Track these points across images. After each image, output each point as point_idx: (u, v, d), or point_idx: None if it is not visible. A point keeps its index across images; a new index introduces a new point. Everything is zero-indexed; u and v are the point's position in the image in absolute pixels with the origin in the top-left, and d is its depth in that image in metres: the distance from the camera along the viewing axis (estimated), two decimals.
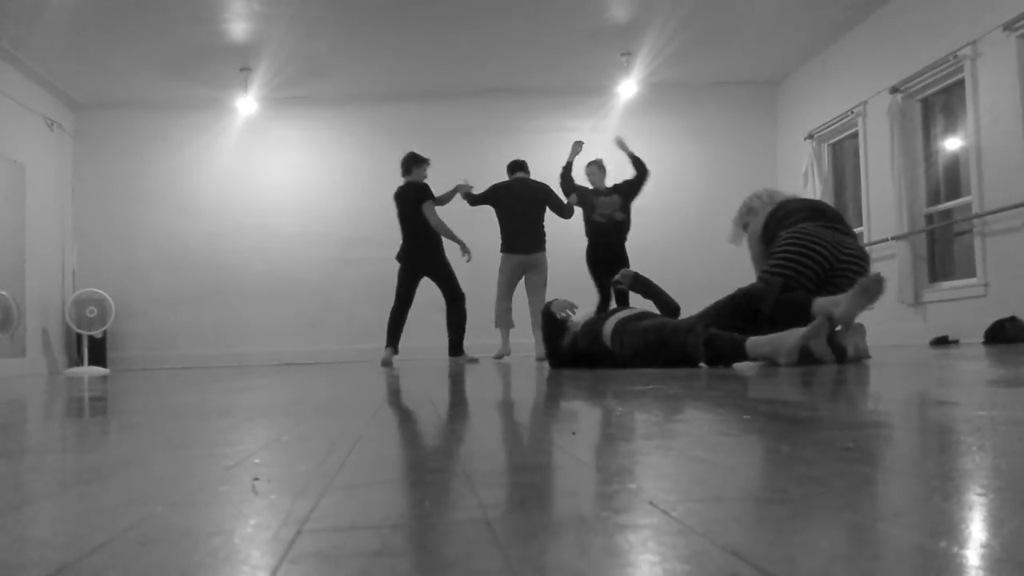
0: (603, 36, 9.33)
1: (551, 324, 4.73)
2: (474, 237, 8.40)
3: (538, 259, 7.71)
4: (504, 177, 8.05)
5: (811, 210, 4.33)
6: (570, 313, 4.71)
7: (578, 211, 7.87)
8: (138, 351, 10.67)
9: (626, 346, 4.29)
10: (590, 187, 7.92)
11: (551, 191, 7.80)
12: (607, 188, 7.91)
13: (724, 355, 3.83)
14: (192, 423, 1.88)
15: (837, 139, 9.89)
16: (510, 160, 8.11)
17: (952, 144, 8.03)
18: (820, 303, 3.77)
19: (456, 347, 7.74)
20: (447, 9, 8.51)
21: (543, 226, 7.75)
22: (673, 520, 0.67)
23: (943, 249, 8.15)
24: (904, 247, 8.15)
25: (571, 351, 4.66)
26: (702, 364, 4.08)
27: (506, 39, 9.36)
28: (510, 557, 0.58)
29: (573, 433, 1.39)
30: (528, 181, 7.84)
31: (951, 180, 8.00)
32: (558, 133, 11.00)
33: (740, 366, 3.81)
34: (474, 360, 7.62)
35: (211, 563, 0.60)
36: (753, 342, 3.73)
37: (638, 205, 9.40)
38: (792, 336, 3.59)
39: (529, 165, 9.00)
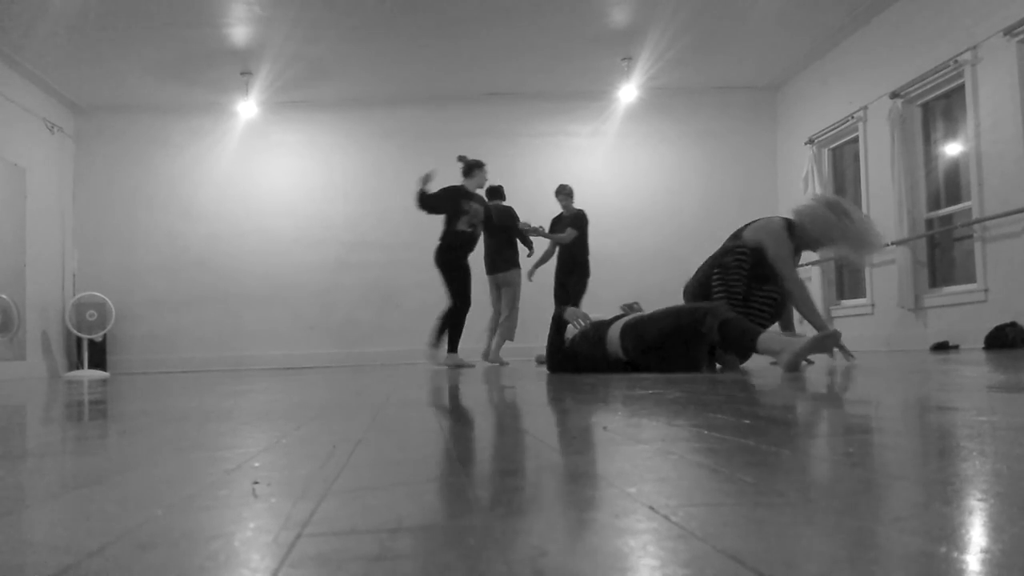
0: (604, 40, 9.34)
1: (557, 329, 4.77)
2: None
3: (506, 278, 8.23)
4: (496, 182, 8.41)
5: None
6: (581, 323, 4.71)
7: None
8: (138, 354, 10.67)
9: (638, 339, 4.26)
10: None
11: (506, 213, 8.24)
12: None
13: (736, 340, 3.84)
14: (192, 426, 1.87)
15: (837, 144, 9.89)
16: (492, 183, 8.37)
17: (952, 149, 8.03)
18: (765, 343, 3.72)
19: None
20: (448, 13, 8.51)
21: (509, 248, 8.20)
22: (673, 524, 0.67)
23: (943, 254, 8.15)
24: (904, 252, 8.15)
25: (569, 355, 4.67)
26: (707, 365, 4.11)
27: (507, 43, 9.37)
28: (510, 561, 0.58)
29: (573, 437, 1.39)
30: (499, 207, 8.24)
31: (951, 185, 8.01)
32: (558, 137, 11.02)
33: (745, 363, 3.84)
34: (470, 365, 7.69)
35: (211, 566, 0.60)
36: (766, 337, 3.74)
37: (637, 208, 9.43)
38: (796, 344, 3.61)
39: (529, 169, 9.11)
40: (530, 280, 8.71)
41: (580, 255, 8.53)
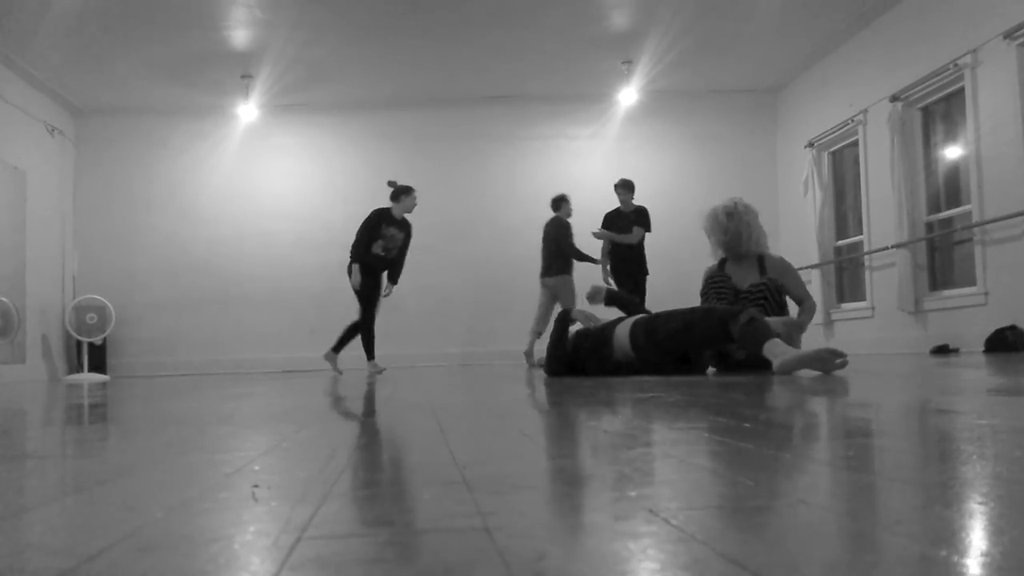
0: (603, 44, 9.35)
1: (561, 332, 4.74)
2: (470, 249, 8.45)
3: (549, 283, 8.64)
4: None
5: None
6: (592, 325, 4.71)
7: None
8: (138, 357, 10.66)
9: (650, 334, 4.28)
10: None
11: (557, 226, 8.63)
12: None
13: (752, 340, 3.87)
14: (192, 429, 1.87)
15: (837, 147, 9.90)
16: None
17: (952, 152, 8.03)
18: (770, 347, 3.78)
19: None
20: (448, 16, 8.52)
21: (559, 258, 8.55)
22: (673, 528, 0.67)
23: (943, 257, 8.15)
24: (904, 255, 8.15)
25: (571, 357, 4.66)
26: (719, 363, 4.13)
27: (507, 46, 9.37)
28: (510, 564, 0.58)
29: (573, 440, 1.39)
30: (554, 219, 8.70)
31: (951, 188, 8.01)
32: (558, 140, 11.02)
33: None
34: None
35: (211, 569, 0.60)
36: (772, 343, 3.78)
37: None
38: (795, 353, 3.66)
39: (529, 172, 9.12)
40: (608, 285, 8.82)
41: (641, 252, 8.62)
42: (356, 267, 7.46)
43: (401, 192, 7.67)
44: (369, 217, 7.59)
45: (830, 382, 2.88)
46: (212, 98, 10.50)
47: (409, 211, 7.69)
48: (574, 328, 4.80)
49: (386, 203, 8.40)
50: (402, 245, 7.68)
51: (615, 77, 10.27)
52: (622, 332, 4.46)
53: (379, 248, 7.55)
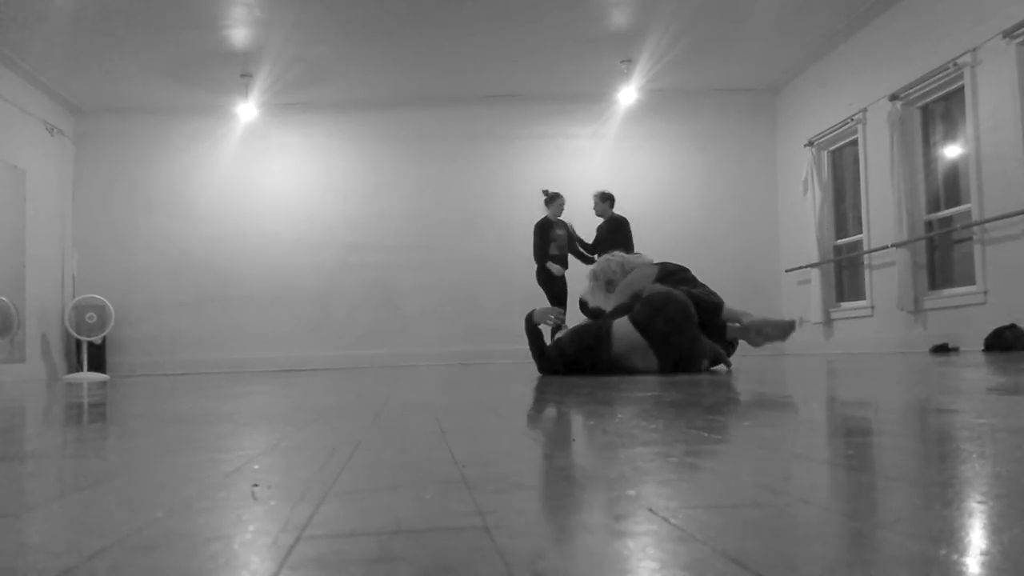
0: (603, 43, 9.34)
1: (532, 332, 4.78)
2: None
3: None
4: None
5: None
6: (551, 320, 4.75)
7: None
8: (137, 357, 10.66)
9: (650, 317, 4.40)
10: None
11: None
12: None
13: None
14: (191, 429, 1.87)
15: (837, 146, 9.89)
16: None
17: (952, 151, 8.03)
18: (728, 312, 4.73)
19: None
20: (448, 16, 8.52)
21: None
22: (673, 527, 0.67)
23: (943, 256, 8.15)
24: (904, 254, 8.15)
25: (559, 357, 4.65)
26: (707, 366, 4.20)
27: (507, 45, 9.37)
28: (510, 564, 0.58)
29: (573, 440, 1.39)
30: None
31: (951, 187, 8.00)
32: (558, 139, 11.02)
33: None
34: None
35: (211, 569, 0.60)
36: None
37: (637, 210, 9.48)
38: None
39: (528, 171, 9.08)
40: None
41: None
42: (551, 265, 8.57)
43: (549, 199, 8.76)
44: (540, 225, 8.68)
45: (829, 381, 2.88)
46: (211, 97, 10.49)
47: (559, 214, 8.72)
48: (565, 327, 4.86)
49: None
50: (568, 240, 8.78)
51: (615, 76, 10.26)
52: (621, 323, 4.48)
53: (554, 248, 8.69)
